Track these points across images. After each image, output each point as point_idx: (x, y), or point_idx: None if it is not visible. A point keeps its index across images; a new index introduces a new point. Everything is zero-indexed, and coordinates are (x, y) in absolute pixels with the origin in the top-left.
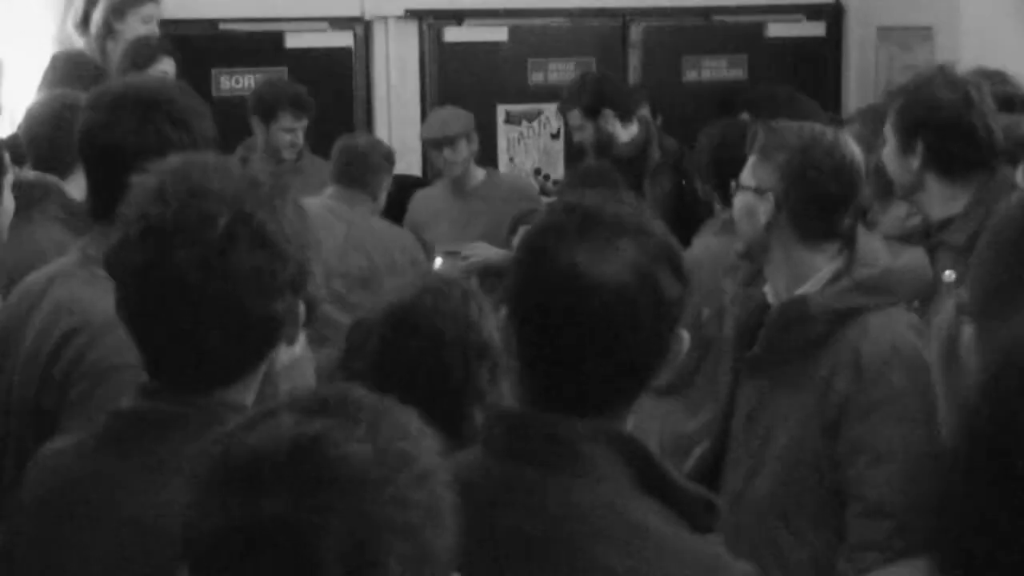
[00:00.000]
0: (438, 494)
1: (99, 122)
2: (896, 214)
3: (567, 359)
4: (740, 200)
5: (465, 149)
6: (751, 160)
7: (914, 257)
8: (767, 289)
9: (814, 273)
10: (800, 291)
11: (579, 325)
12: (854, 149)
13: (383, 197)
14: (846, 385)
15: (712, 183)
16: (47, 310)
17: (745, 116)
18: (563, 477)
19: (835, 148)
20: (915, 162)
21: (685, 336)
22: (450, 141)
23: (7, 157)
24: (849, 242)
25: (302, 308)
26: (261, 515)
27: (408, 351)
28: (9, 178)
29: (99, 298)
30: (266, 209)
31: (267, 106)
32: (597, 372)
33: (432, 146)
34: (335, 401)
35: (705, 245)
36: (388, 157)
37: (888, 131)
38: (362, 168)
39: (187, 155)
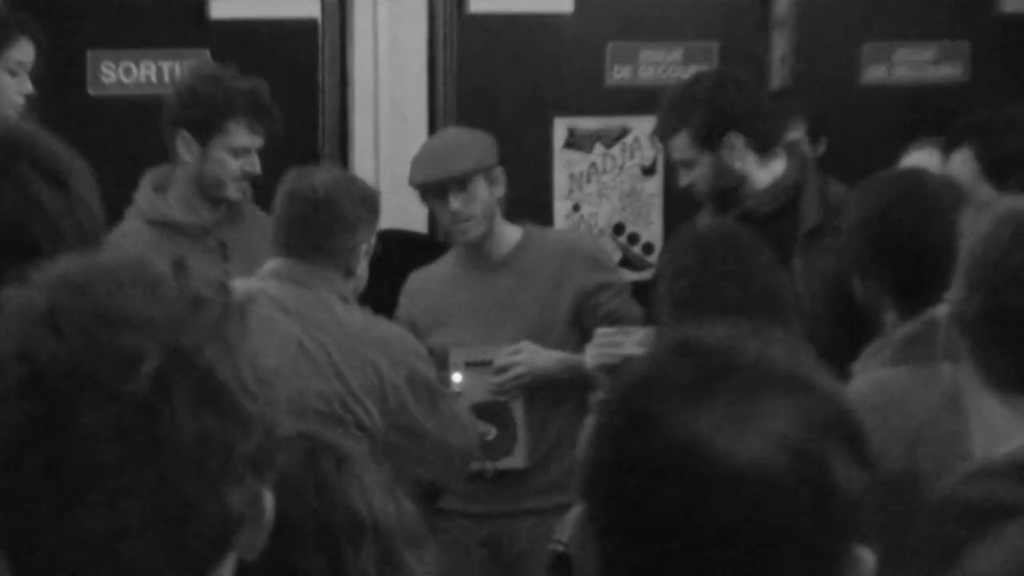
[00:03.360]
0: None
1: None
2: None
3: None
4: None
5: (484, 193)
6: None
7: None
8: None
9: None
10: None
11: (700, 535)
12: None
13: (362, 269)
14: None
15: (876, 280)
16: None
17: (929, 156)
18: None
19: None
20: None
21: (868, 559)
22: (458, 183)
23: None
24: None
25: (269, 499)
26: None
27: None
28: None
29: None
30: (216, 344)
31: (207, 112)
32: None
33: (431, 194)
34: None
35: (873, 381)
36: (367, 202)
37: None
38: (324, 225)
39: (89, 257)
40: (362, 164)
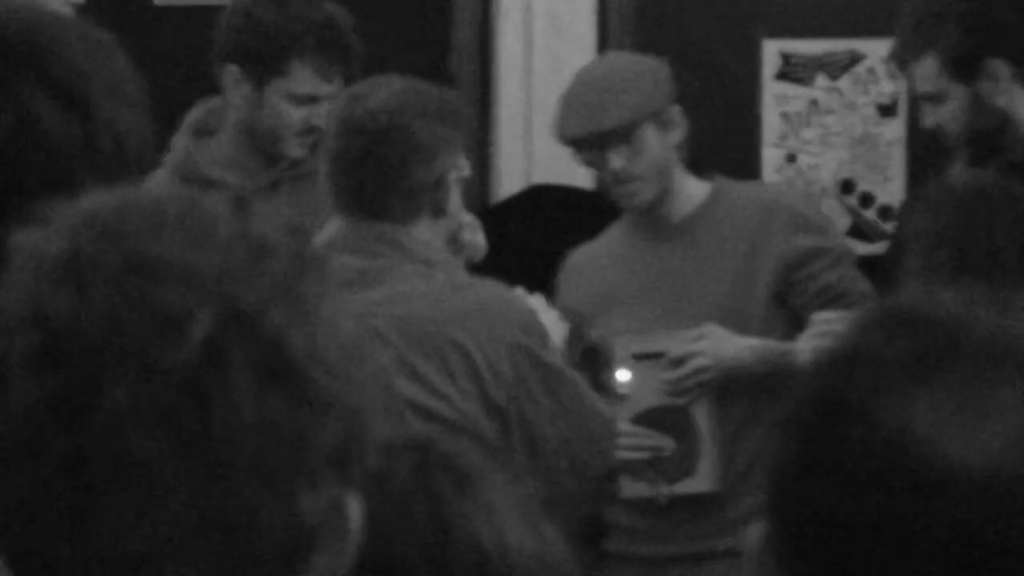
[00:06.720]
0: None
1: None
2: None
3: None
4: None
5: (654, 145)
6: None
7: None
8: None
9: None
10: None
11: (915, 560)
12: None
13: (454, 204)
14: None
15: None
16: None
17: None
18: None
19: None
20: None
21: None
22: (622, 134)
23: None
24: None
25: (356, 508)
26: None
27: None
28: None
29: None
30: (286, 305)
31: (265, 46)
32: None
33: (585, 150)
34: None
35: None
36: (445, 117)
37: None
38: (392, 163)
39: (121, 193)
40: (508, 94)
